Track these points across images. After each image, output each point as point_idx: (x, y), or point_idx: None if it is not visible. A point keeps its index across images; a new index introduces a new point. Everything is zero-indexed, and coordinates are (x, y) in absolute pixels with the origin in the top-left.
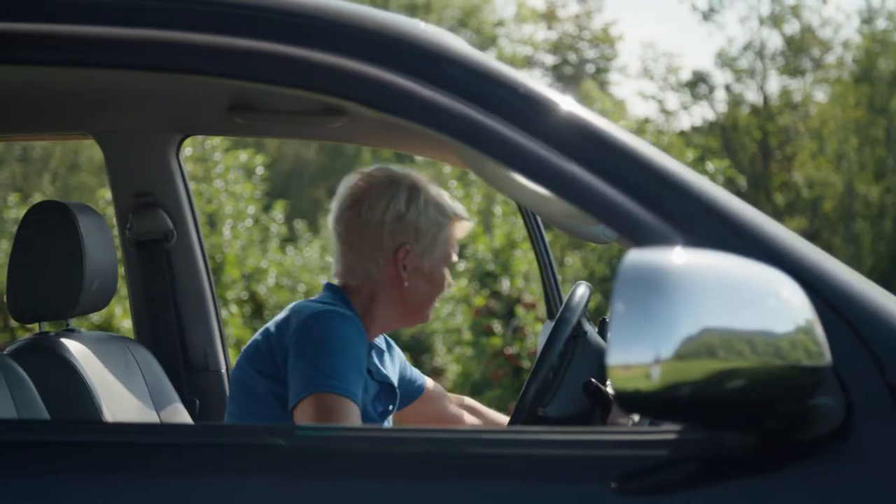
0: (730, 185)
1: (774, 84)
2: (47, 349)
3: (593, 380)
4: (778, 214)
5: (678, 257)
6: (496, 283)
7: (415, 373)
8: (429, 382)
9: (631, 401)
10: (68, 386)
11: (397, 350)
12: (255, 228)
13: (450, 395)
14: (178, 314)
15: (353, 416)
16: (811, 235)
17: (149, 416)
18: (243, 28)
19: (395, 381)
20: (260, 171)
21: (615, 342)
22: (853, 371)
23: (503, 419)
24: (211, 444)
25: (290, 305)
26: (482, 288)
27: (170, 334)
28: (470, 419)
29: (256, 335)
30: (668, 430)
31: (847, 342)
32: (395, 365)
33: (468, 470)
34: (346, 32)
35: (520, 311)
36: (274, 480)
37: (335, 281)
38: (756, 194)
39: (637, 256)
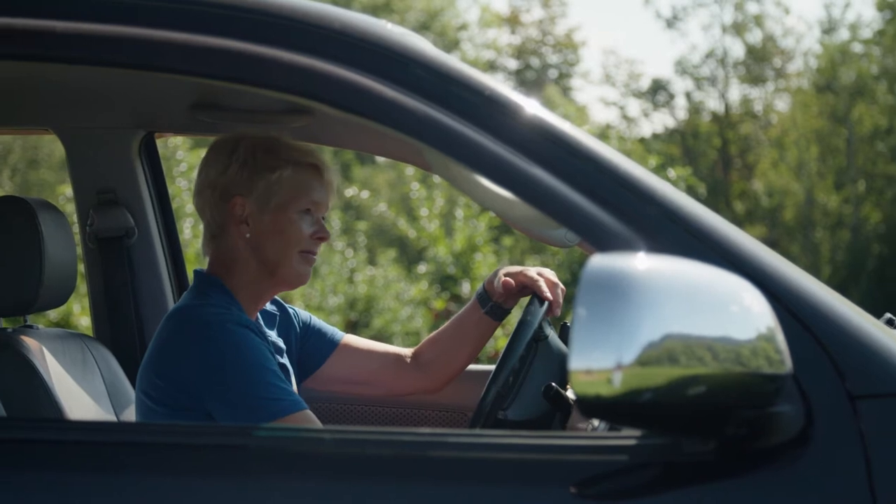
0: (690, 192)
1: (736, 92)
2: (4, 346)
3: (554, 384)
4: (737, 222)
5: (641, 263)
6: (456, 287)
7: (325, 327)
8: (346, 337)
9: (592, 406)
10: (25, 383)
11: (300, 313)
12: None
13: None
14: (137, 312)
15: (312, 419)
16: (770, 244)
17: (107, 414)
18: (208, 26)
19: (293, 347)
20: None
21: (577, 347)
22: (813, 378)
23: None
24: (169, 443)
25: (166, 317)
26: (442, 291)
27: (129, 332)
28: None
29: (144, 361)
30: (628, 436)
31: (808, 350)
32: (292, 328)
33: (428, 472)
34: (311, 31)
35: None
36: (235, 481)
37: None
38: (716, 202)
39: (600, 261)
